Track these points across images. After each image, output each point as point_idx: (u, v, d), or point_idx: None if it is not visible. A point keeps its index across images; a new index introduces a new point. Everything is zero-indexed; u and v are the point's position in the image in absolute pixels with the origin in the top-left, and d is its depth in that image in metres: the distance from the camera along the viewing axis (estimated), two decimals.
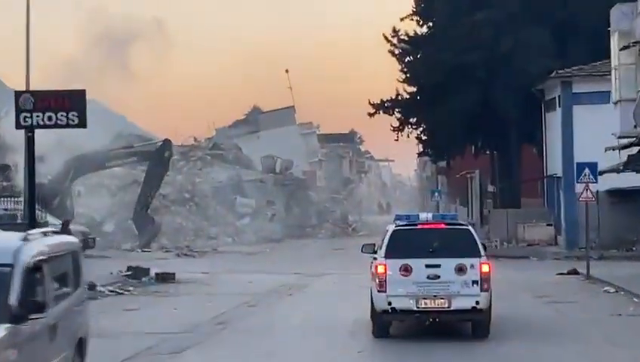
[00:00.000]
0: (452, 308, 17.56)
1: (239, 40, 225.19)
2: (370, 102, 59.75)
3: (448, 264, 17.55)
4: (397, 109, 59.89)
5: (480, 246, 17.95)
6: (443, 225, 18.35)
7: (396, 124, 60.19)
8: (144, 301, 26.87)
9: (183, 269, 37.32)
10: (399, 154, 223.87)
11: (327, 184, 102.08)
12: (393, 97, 59.62)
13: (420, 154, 71.08)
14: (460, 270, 17.47)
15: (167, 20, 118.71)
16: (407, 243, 17.89)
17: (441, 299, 17.52)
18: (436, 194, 73.32)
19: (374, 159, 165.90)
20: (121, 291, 28.33)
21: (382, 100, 59.62)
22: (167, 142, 51.35)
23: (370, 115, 59.92)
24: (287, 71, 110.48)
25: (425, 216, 18.91)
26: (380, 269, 17.70)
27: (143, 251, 48.56)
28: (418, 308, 17.56)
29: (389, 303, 17.61)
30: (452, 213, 21.58)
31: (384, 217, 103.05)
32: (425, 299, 17.53)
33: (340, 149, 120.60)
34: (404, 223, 18.43)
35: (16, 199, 49.07)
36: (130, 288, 29.43)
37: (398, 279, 17.53)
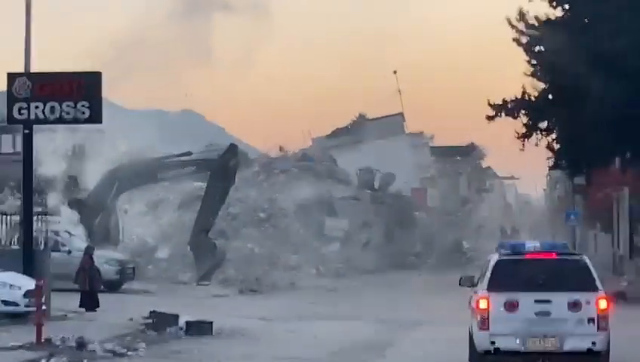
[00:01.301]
0: (565, 350, 17.16)
1: (340, 38, 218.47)
2: (489, 103, 52.45)
3: (560, 299, 17.18)
4: (523, 111, 52.48)
5: (597, 280, 17.40)
6: (554, 255, 17.83)
7: (522, 129, 52.73)
8: None
9: (237, 313, 30.99)
10: (526, 171, 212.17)
11: (440, 204, 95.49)
12: (518, 96, 52.22)
13: (551, 168, 63.08)
14: (574, 306, 17.09)
15: (264, 17, 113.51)
16: (512, 275, 17.50)
17: (552, 338, 17.13)
18: (572, 216, 64.86)
19: (497, 176, 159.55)
20: (122, 351, 21.66)
21: (504, 100, 52.24)
22: (232, 149, 44.87)
23: (490, 118, 52.62)
24: (395, 72, 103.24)
25: (532, 244, 18.26)
26: (482, 304, 17.28)
27: (199, 285, 42.16)
28: (525, 348, 17.14)
29: (493, 343, 17.18)
30: (562, 242, 20.36)
31: None
32: (533, 338, 17.12)
33: (456, 164, 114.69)
34: (509, 252, 17.92)
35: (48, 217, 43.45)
36: (141, 345, 22.75)
37: (502, 316, 17.15)
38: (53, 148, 49.73)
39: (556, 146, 53.51)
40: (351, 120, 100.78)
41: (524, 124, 52.37)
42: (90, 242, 43.04)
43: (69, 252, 37.77)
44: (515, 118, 52.40)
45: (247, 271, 47.67)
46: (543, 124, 52.45)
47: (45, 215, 38.33)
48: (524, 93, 51.84)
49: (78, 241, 39.29)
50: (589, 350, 17.05)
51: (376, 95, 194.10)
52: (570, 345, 17.05)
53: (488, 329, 17.19)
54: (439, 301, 36.92)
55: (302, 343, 24.39)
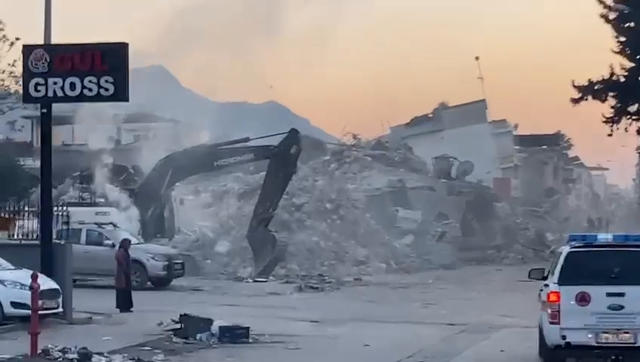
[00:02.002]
0: (639, 344, 16.64)
1: (418, 24, 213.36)
2: (574, 85, 48.30)
3: (634, 292, 16.71)
4: (611, 93, 48.25)
5: None
6: (627, 247, 17.34)
7: (610, 113, 48.49)
8: None
9: (289, 314, 27.68)
10: (614, 160, 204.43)
11: (524, 195, 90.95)
12: (606, 77, 47.98)
13: None
14: None
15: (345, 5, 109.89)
16: (584, 267, 17.12)
17: (626, 333, 16.70)
18: None
19: (585, 167, 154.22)
20: None
21: (590, 81, 48.07)
22: (292, 134, 41.37)
23: (575, 101, 48.48)
24: (477, 58, 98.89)
25: (604, 236, 17.86)
26: (553, 297, 16.90)
27: (255, 281, 38.79)
28: (598, 343, 16.72)
29: (564, 337, 16.77)
30: (637, 234, 18.98)
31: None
32: (606, 333, 16.70)
33: (541, 154, 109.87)
34: (581, 245, 17.42)
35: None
36: (158, 357, 19.34)
37: (574, 309, 16.73)
38: (109, 136, 47.05)
39: None
40: (431, 108, 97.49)
41: (612, 107, 48.19)
42: (142, 235, 40.21)
43: (113, 245, 34.72)
44: (602, 101, 48.24)
45: (310, 266, 44.31)
46: (633, 107, 48.21)
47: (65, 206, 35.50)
48: (612, 73, 47.60)
49: (125, 234, 36.24)
50: None
51: (457, 82, 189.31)
52: None
53: (559, 323, 16.79)
54: (518, 298, 32.87)
55: (347, 354, 20.82)
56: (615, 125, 48.63)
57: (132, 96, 24.43)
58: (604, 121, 49.05)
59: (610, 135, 49.08)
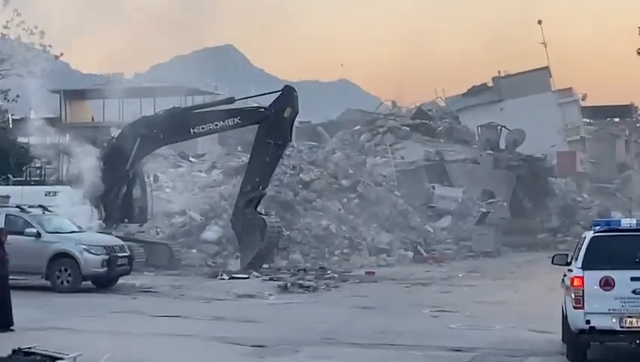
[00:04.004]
0: None
1: None
2: None
3: None
4: None
5: None
6: None
7: None
8: None
9: (226, 333, 19.42)
10: None
11: (592, 170, 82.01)
12: None
13: None
14: None
15: None
16: (608, 252, 16.55)
17: None
18: None
19: None
20: None
21: None
22: (286, 93, 32.65)
23: None
24: (539, 22, 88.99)
25: (628, 221, 17.06)
26: (577, 282, 16.31)
27: (232, 278, 30.25)
28: (622, 327, 16.22)
29: (588, 321, 16.25)
30: None
31: None
32: (630, 317, 16.20)
33: (612, 126, 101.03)
34: (605, 229, 16.87)
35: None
36: None
37: (598, 294, 16.20)
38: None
39: None
40: (492, 77, 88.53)
41: None
42: (105, 221, 32.06)
43: (39, 235, 26.49)
44: None
45: (318, 257, 35.78)
46: None
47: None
48: None
49: (58, 220, 27.96)
50: None
51: (519, 49, 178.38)
52: None
53: (583, 307, 16.20)
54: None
55: None
56: None
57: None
58: None
59: None
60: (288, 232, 36.09)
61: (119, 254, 27.16)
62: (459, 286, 30.35)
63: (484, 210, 44.27)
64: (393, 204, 41.56)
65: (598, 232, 16.84)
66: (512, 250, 42.19)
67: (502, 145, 55.31)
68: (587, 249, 16.59)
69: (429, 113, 57.52)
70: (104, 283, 27.17)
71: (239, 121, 32.99)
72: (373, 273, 33.39)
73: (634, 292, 16.22)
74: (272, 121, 32.17)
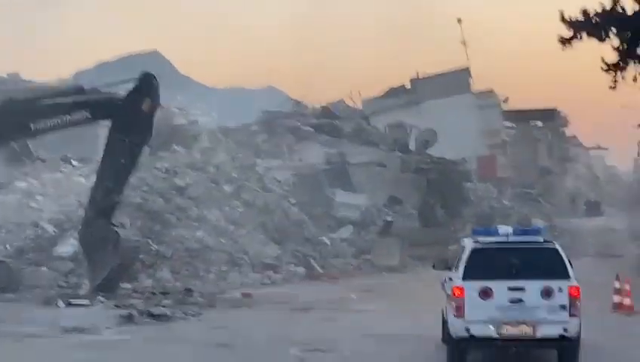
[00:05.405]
0: (537, 336, 16.78)
1: None
2: (563, 19, 34.66)
3: (533, 287, 16.75)
4: (613, 29, 34.55)
5: (569, 268, 17.04)
6: (527, 243, 17.36)
7: (613, 57, 34.94)
8: None
9: None
10: (611, 140, 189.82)
11: (513, 175, 78.40)
12: (607, 8, 34.41)
13: None
14: (547, 294, 16.71)
15: None
16: (487, 263, 17.03)
17: (525, 325, 16.72)
18: None
19: (583, 147, 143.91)
20: None
21: (586, 14, 34.51)
22: (144, 80, 27.02)
23: (565, 41, 34.83)
24: (459, 20, 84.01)
25: (505, 229, 17.74)
26: (458, 292, 16.81)
27: (71, 304, 24.53)
28: (500, 335, 16.78)
29: (467, 329, 16.72)
30: (536, 227, 19.61)
31: (594, 221, 76.98)
32: (507, 325, 16.72)
33: (534, 130, 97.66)
34: (483, 239, 17.54)
35: None
36: None
37: (477, 303, 16.69)
38: None
39: None
40: (410, 78, 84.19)
41: (616, 49, 34.19)
42: None
43: None
44: (602, 40, 34.49)
45: (191, 275, 30.15)
46: None
47: None
48: (615, 2, 33.68)
49: None
50: (561, 336, 16.72)
51: (437, 50, 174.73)
52: (542, 332, 16.65)
53: (463, 316, 16.66)
54: None
55: None
56: (619, 73, 34.66)
57: None
58: (605, 69, 35.15)
59: (613, 87, 35.05)
60: (156, 246, 30.48)
61: None
62: (347, 312, 24.98)
63: (389, 219, 38.94)
64: (285, 213, 36.06)
65: (477, 242, 17.27)
66: (420, 264, 36.80)
67: (412, 146, 50.18)
68: (468, 259, 16.91)
69: (336, 114, 52.22)
70: None
71: (89, 116, 27.19)
72: (250, 295, 27.84)
73: (511, 301, 16.57)
74: (128, 115, 26.53)
